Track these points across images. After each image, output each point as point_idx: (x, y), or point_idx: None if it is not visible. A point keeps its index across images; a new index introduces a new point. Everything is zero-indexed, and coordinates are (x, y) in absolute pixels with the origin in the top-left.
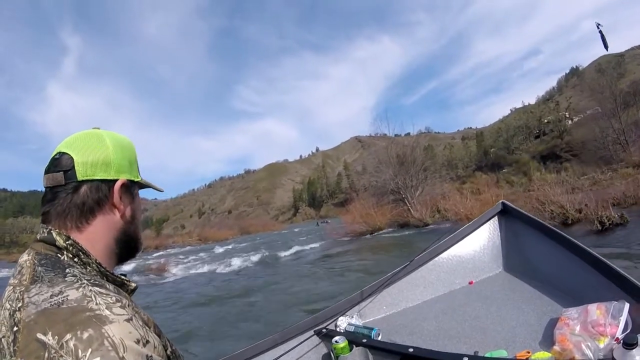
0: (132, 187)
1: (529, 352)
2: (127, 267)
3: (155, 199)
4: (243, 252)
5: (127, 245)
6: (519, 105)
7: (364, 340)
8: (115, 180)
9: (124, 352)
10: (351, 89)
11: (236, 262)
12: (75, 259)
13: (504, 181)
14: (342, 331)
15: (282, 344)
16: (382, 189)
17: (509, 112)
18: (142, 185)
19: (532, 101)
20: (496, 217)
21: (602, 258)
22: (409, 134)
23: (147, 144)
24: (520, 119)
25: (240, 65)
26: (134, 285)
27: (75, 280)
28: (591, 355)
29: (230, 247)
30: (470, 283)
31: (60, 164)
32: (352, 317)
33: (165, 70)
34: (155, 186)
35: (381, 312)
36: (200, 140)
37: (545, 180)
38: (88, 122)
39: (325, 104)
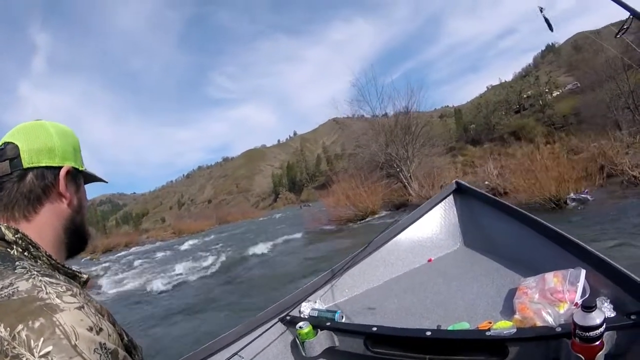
0: (77, 176)
1: (490, 323)
2: None
3: (134, 193)
4: (205, 250)
5: (75, 235)
6: (496, 83)
7: (328, 324)
8: (60, 167)
9: (76, 340)
10: (328, 71)
11: (184, 269)
12: (25, 253)
13: (496, 153)
14: (305, 317)
15: (247, 334)
16: (371, 163)
17: (486, 89)
18: (87, 179)
19: (509, 78)
20: (451, 196)
21: (556, 229)
22: (386, 114)
23: (123, 138)
24: (500, 94)
25: (214, 52)
26: (85, 276)
27: (24, 272)
28: (552, 320)
29: (197, 242)
30: (429, 261)
31: (5, 154)
32: (315, 302)
33: (139, 62)
34: (99, 177)
35: (343, 295)
36: (178, 131)
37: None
38: (63, 118)
39: (302, 87)
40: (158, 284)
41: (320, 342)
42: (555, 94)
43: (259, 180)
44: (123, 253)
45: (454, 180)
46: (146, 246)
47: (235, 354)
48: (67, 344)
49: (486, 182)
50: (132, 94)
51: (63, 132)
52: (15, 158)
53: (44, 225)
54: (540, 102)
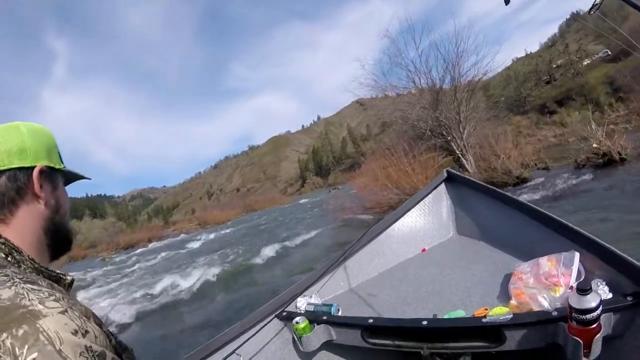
0: (52, 175)
1: (486, 309)
2: None
3: (164, 186)
4: (220, 247)
5: (57, 236)
6: (521, 55)
7: (325, 318)
8: (33, 168)
9: (61, 345)
10: (347, 53)
11: (159, 287)
12: (9, 258)
13: (541, 122)
14: (302, 312)
15: (244, 332)
16: (412, 131)
17: (512, 61)
18: (68, 178)
19: (535, 49)
20: (443, 185)
21: (548, 213)
22: (410, 91)
23: (148, 134)
24: (530, 65)
25: (230, 44)
26: (69, 278)
27: (7, 280)
28: (547, 305)
29: (216, 235)
30: (423, 250)
31: None
32: (311, 296)
33: (157, 59)
34: (81, 174)
35: (339, 289)
36: (201, 124)
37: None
38: (85, 121)
39: (322, 71)
40: (155, 293)
41: (318, 336)
42: (585, 62)
43: (285, 166)
44: (140, 250)
45: (445, 169)
46: (166, 241)
47: (233, 352)
48: (51, 350)
49: (594, 145)
50: (154, 91)
51: (36, 132)
52: None
53: (22, 228)
54: (572, 70)
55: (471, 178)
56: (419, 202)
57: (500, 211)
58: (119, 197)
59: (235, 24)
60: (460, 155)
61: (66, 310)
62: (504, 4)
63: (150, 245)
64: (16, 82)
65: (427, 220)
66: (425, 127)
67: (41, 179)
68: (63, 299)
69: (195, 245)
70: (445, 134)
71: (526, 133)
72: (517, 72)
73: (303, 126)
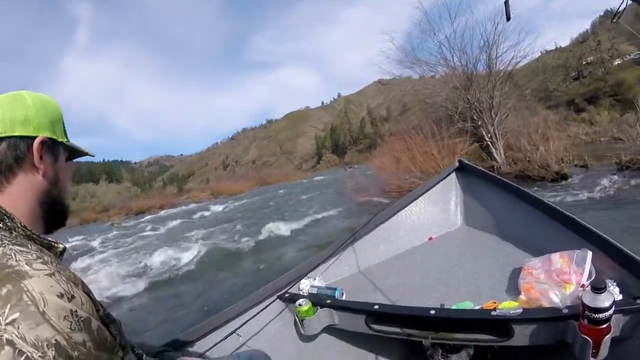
0: (54, 148)
1: (495, 303)
2: None
3: (181, 154)
4: (223, 222)
5: (52, 209)
6: (551, 48)
7: (328, 301)
8: (34, 138)
9: (44, 307)
10: (370, 29)
11: (160, 258)
12: (0, 224)
13: (570, 119)
14: (305, 294)
15: (244, 312)
16: (436, 113)
17: (540, 54)
18: (72, 153)
19: (565, 43)
20: (453, 174)
21: (561, 209)
22: (433, 76)
23: (168, 102)
24: (559, 58)
25: (254, 15)
26: (62, 246)
27: None
28: (558, 301)
29: (223, 207)
30: (430, 239)
31: None
32: (315, 279)
33: (181, 28)
34: (85, 150)
35: (343, 273)
36: (221, 95)
37: None
38: (106, 88)
39: (344, 48)
40: (156, 260)
41: (320, 320)
42: (616, 62)
43: (302, 142)
44: (150, 217)
45: (457, 159)
46: (178, 209)
47: (233, 332)
48: (34, 311)
49: None
50: (176, 60)
51: (41, 103)
52: None
53: (17, 197)
54: (602, 69)
55: (482, 169)
56: (428, 190)
57: (511, 204)
58: (135, 163)
59: None
60: (489, 142)
61: (53, 274)
62: (506, 20)
63: (162, 212)
64: (40, 50)
65: (436, 209)
66: (454, 109)
67: (42, 150)
68: (51, 263)
69: (205, 214)
70: (475, 118)
71: (554, 128)
72: (545, 65)
73: (323, 103)
